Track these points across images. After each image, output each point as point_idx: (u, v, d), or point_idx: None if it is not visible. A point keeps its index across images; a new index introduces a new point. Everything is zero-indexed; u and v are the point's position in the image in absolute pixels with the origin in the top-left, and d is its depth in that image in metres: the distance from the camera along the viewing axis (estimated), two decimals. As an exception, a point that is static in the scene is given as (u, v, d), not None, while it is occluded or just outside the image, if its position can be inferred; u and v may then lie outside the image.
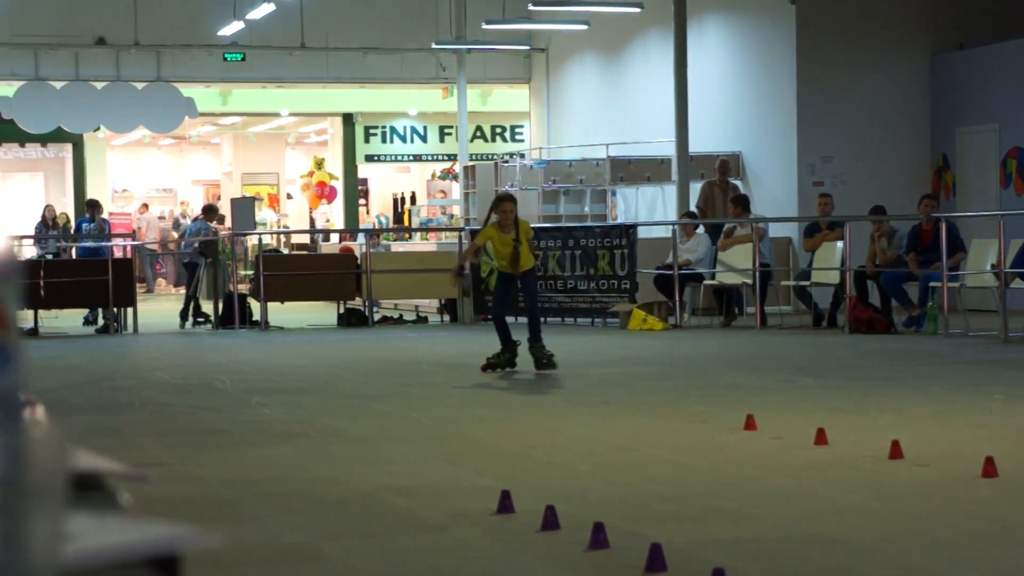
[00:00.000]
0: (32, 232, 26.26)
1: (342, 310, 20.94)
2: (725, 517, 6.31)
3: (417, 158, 35.68)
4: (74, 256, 23.36)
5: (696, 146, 21.88)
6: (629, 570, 5.25)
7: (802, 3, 22.21)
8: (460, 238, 21.58)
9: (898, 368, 13.20)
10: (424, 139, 34.84)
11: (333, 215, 35.83)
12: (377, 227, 33.66)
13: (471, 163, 28.50)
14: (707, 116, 23.24)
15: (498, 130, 34.14)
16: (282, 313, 21.01)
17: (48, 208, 26.61)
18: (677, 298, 18.79)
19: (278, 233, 33.03)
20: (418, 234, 29.14)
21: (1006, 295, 15.91)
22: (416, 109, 33.92)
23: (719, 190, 21.65)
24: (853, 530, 5.93)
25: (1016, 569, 5.42)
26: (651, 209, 25.83)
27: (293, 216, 38.64)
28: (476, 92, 31.83)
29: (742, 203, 19.90)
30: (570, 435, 9.02)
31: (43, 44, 28.61)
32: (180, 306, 21.59)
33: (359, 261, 21.40)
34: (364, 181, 38.10)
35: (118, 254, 22.81)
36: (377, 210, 38.46)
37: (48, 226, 24.77)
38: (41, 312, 19.87)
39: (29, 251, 24.97)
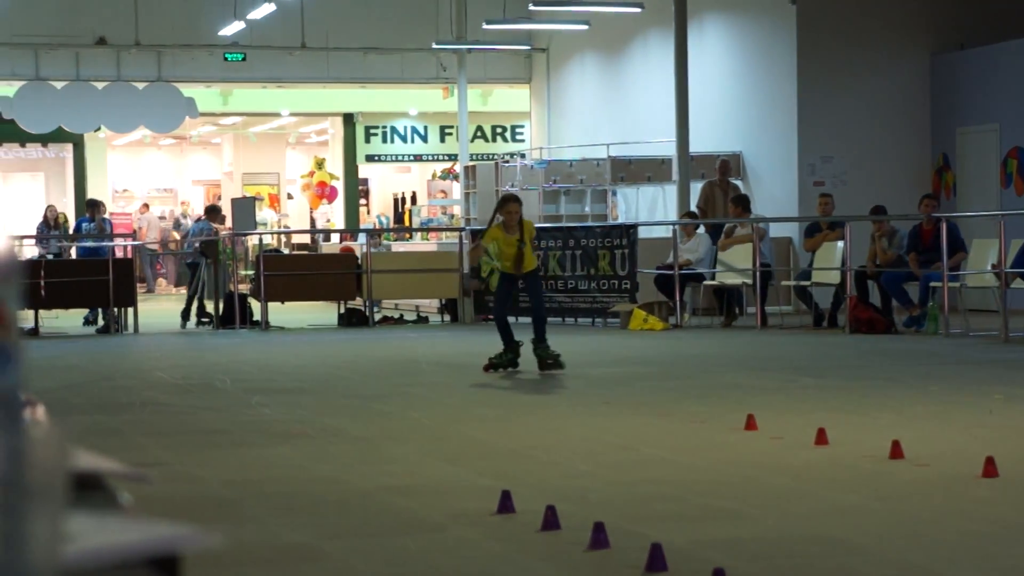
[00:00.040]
0: (34, 232, 26.26)
1: (342, 310, 20.95)
2: (725, 517, 6.31)
3: (418, 158, 35.68)
4: (74, 256, 23.37)
5: (696, 146, 21.88)
6: (629, 570, 5.25)
7: (802, 3, 22.21)
8: (460, 238, 21.58)
9: (898, 368, 13.19)
10: (425, 139, 34.84)
11: (333, 215, 35.83)
12: (377, 227, 33.65)
13: (472, 163, 28.50)
14: (708, 116, 23.24)
15: (499, 130, 34.13)
16: (282, 313, 21.01)
17: (50, 208, 26.63)
18: (678, 298, 18.79)
19: (279, 233, 33.03)
20: (419, 234, 29.14)
21: (1006, 295, 15.91)
22: (417, 109, 33.92)
23: (720, 190, 21.65)
24: (853, 530, 5.93)
25: (1016, 569, 5.42)
26: (652, 209, 25.82)
27: (294, 216, 38.64)
28: (477, 92, 31.83)
29: (742, 203, 19.90)
30: (570, 435, 9.02)
31: (43, 44, 28.61)
32: (180, 306, 21.59)
33: (359, 261, 21.40)
34: (365, 181, 38.10)
35: (119, 254, 22.80)
36: (378, 210, 38.45)
37: (50, 226, 24.77)
38: (41, 312, 19.87)
39: (30, 251, 24.97)
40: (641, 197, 26.28)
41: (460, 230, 22.78)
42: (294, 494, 7.07)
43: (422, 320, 21.54)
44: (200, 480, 7.60)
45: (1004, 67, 21.25)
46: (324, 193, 35.39)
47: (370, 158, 34.97)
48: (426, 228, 30.12)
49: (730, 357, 14.74)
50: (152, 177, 41.37)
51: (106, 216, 23.18)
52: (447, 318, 21.38)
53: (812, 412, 9.60)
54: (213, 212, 22.83)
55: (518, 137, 33.73)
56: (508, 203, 13.14)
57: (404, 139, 34.72)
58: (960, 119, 22.01)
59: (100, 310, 20.74)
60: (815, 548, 5.69)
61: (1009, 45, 21.26)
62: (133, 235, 33.12)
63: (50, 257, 22.49)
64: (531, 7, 24.52)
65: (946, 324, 16.45)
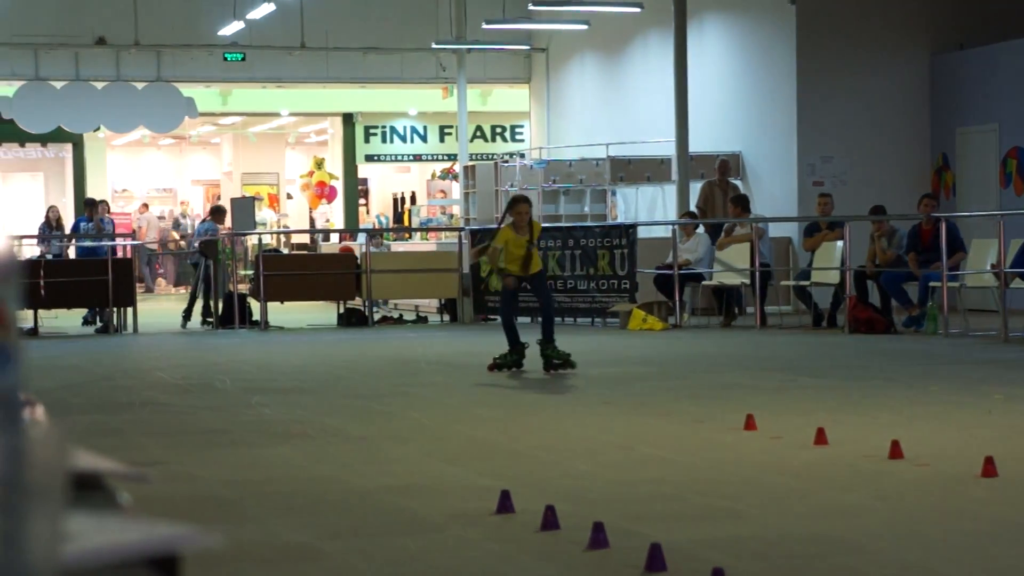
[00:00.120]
0: (35, 232, 26.27)
1: (342, 310, 20.95)
2: (725, 516, 6.31)
3: (417, 158, 35.67)
4: (72, 256, 23.36)
5: (696, 146, 21.88)
6: (629, 570, 5.26)
7: (802, 3, 22.21)
8: (460, 238, 21.58)
9: (898, 368, 13.20)
10: (424, 139, 34.84)
11: (333, 215, 35.83)
12: (377, 227, 33.65)
13: (471, 163, 28.50)
14: (707, 116, 23.24)
15: (498, 130, 34.13)
16: (282, 313, 21.01)
17: (52, 209, 26.67)
18: (677, 298, 18.79)
19: (278, 233, 33.03)
20: (418, 234, 29.14)
21: (1006, 295, 15.91)
22: (416, 109, 33.92)
23: (719, 190, 21.65)
24: (853, 529, 5.93)
25: (1016, 568, 5.42)
26: (651, 209, 25.83)
27: (293, 216, 38.63)
28: (476, 92, 31.83)
29: (742, 203, 19.90)
30: (570, 435, 9.02)
31: (43, 44, 28.61)
32: (180, 306, 21.59)
33: (359, 261, 21.40)
34: (364, 181, 38.10)
35: (119, 254, 22.79)
36: (377, 210, 38.46)
37: (52, 227, 24.80)
38: (41, 312, 19.87)
39: (29, 251, 24.96)
40: (640, 197, 26.28)
41: (459, 230, 22.79)
42: (294, 494, 7.07)
43: (421, 320, 21.54)
44: (200, 480, 7.60)
45: (1004, 67, 21.25)
46: (323, 193, 35.39)
47: (369, 158, 34.97)
48: (425, 228, 30.12)
49: (729, 357, 14.74)
50: (151, 177, 41.37)
51: (104, 216, 23.15)
52: (446, 318, 21.38)
53: (811, 412, 9.60)
54: (218, 212, 22.83)
55: (517, 137, 33.73)
56: (518, 204, 13.13)
57: (403, 139, 34.72)
58: (960, 119, 22.02)
59: (99, 310, 20.74)
60: (814, 548, 5.70)
61: (1009, 45, 21.26)
62: (133, 235, 33.09)
63: (49, 257, 22.48)
64: (531, 7, 24.53)
65: (945, 324, 16.45)
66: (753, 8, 23.44)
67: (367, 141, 34.58)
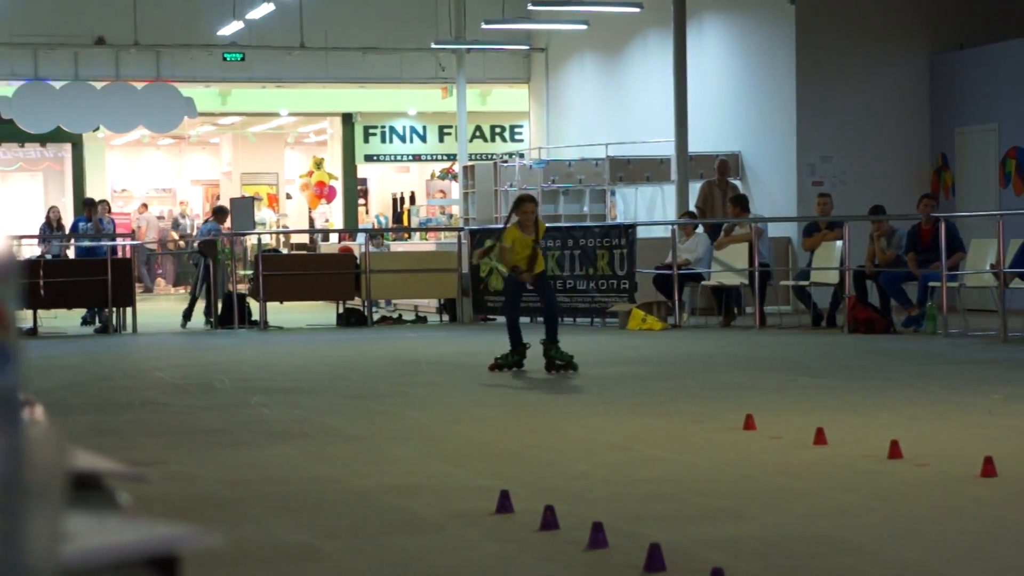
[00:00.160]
0: (35, 232, 26.27)
1: (341, 310, 20.95)
2: (724, 517, 6.32)
3: (416, 158, 35.67)
4: (71, 256, 23.35)
5: (695, 146, 21.88)
6: (628, 570, 5.26)
7: (801, 3, 22.21)
8: (459, 238, 21.58)
9: (897, 368, 13.20)
10: (423, 139, 34.83)
11: (332, 215, 35.83)
12: (376, 227, 33.65)
13: (470, 163, 28.50)
14: (706, 116, 23.24)
15: (497, 130, 34.13)
16: (281, 313, 21.01)
17: (53, 209, 26.68)
18: (676, 298, 18.79)
19: (277, 233, 33.03)
20: (417, 234, 29.14)
21: (1005, 295, 15.92)
22: (415, 109, 33.92)
23: (718, 190, 21.65)
24: (852, 529, 5.93)
25: (1015, 568, 5.42)
26: (650, 209, 25.83)
27: (292, 216, 38.63)
28: (475, 92, 31.83)
29: (741, 203, 19.90)
30: (569, 435, 9.02)
31: (42, 44, 28.61)
32: (179, 306, 21.58)
33: (358, 261, 21.40)
34: (363, 181, 38.10)
35: (118, 254, 22.79)
36: (376, 210, 38.46)
37: (52, 227, 24.80)
38: (40, 312, 19.87)
39: (28, 251, 24.96)
40: (640, 197, 26.28)
41: (459, 230, 22.79)
42: (293, 494, 7.07)
43: (420, 320, 21.54)
44: (199, 480, 7.60)
45: (1003, 67, 21.26)
46: (323, 193, 35.39)
47: (369, 158, 34.97)
48: (425, 228, 30.11)
49: (729, 357, 14.74)
50: (151, 177, 41.37)
51: (103, 216, 23.15)
52: (445, 318, 21.38)
53: (811, 412, 9.60)
54: (220, 213, 22.84)
55: (517, 137, 33.73)
56: (524, 203, 13.11)
57: (403, 139, 34.72)
58: (959, 119, 22.02)
59: (98, 310, 20.74)
60: (814, 548, 5.70)
61: (1008, 45, 21.26)
62: (132, 235, 33.09)
63: (49, 257, 22.48)
64: (530, 7, 24.53)
65: (945, 324, 16.46)
66: (752, 8, 23.44)
67: (366, 141, 34.58)
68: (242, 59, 29.26)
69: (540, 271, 13.09)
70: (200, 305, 21.05)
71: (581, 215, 25.22)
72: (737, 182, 22.89)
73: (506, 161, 27.60)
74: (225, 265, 21.21)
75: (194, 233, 31.91)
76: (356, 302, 21.09)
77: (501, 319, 18.88)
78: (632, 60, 27.12)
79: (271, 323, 20.25)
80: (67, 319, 20.81)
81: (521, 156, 28.93)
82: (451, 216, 31.57)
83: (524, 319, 14.09)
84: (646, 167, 24.93)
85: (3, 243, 1.42)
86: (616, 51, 27.62)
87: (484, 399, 11.37)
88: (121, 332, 20.00)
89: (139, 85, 29.08)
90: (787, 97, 22.39)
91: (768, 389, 11.49)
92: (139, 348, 18.27)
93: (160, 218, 38.52)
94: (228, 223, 22.98)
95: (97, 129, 31.00)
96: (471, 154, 30.53)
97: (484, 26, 26.52)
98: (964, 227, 18.23)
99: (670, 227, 20.01)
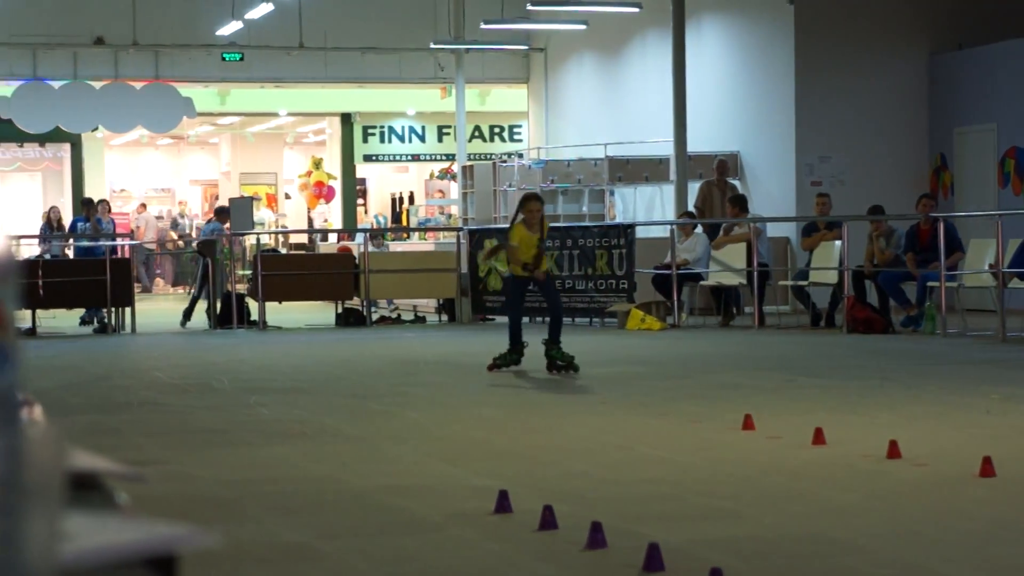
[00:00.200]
0: (35, 232, 26.29)
1: (340, 310, 20.95)
2: (723, 516, 6.32)
3: (415, 158, 35.67)
4: (71, 256, 23.35)
5: (694, 146, 21.88)
6: (627, 569, 5.26)
7: (800, 3, 22.22)
8: (458, 238, 21.58)
9: (896, 368, 13.20)
10: (422, 139, 34.83)
11: (331, 215, 35.83)
12: (375, 227, 33.65)
13: (469, 163, 28.50)
14: (705, 116, 23.25)
15: (496, 130, 34.13)
16: (280, 313, 21.01)
17: (53, 209, 26.67)
18: (675, 298, 18.79)
19: (276, 233, 33.03)
20: (416, 234, 29.14)
21: (1004, 295, 15.92)
22: (414, 109, 33.92)
23: (717, 190, 21.65)
24: (851, 529, 5.93)
25: (1014, 568, 5.42)
26: (649, 209, 25.83)
27: (291, 216, 38.64)
28: (474, 92, 31.84)
29: (740, 203, 19.91)
30: (568, 435, 9.02)
31: (41, 44, 28.61)
32: (178, 306, 21.58)
33: (357, 261, 21.40)
34: (362, 181, 38.10)
35: (118, 253, 22.79)
36: (375, 210, 38.46)
37: (53, 227, 24.81)
38: (39, 312, 19.86)
39: (27, 251, 24.96)
40: (639, 197, 26.28)
41: (458, 230, 22.78)
42: (292, 494, 7.07)
43: (419, 320, 21.54)
44: (197, 480, 7.60)
45: (1002, 67, 21.26)
46: (322, 193, 35.39)
47: (368, 158, 34.97)
48: (424, 228, 30.11)
49: (727, 357, 14.74)
50: (149, 177, 41.37)
51: (100, 216, 23.15)
52: (444, 318, 21.38)
53: (809, 412, 9.60)
54: (224, 213, 22.83)
55: (516, 137, 33.73)
56: (530, 202, 13.08)
57: (402, 139, 34.72)
58: (958, 119, 22.03)
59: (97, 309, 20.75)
60: (812, 547, 5.70)
61: (1007, 45, 21.27)
62: (131, 235, 33.09)
63: (48, 257, 22.48)
64: (529, 7, 24.53)
65: (943, 324, 16.46)
66: (751, 8, 23.44)
67: (365, 141, 34.58)
68: (241, 59, 29.27)
69: (545, 270, 13.10)
70: (201, 305, 21.05)
71: (580, 215, 25.23)
72: (736, 182, 22.90)
73: (505, 161, 27.60)
74: (224, 265, 21.21)
75: (196, 233, 31.91)
76: (355, 302, 21.09)
77: (500, 319, 18.92)
78: (631, 60, 27.13)
79: (270, 323, 20.25)
80: (66, 319, 20.81)
81: (520, 156, 28.93)
82: (450, 216, 31.57)
83: (523, 319, 14.08)
84: (645, 167, 24.94)
85: (2, 243, 1.42)
86: (615, 51, 27.63)
87: (483, 399, 11.37)
88: (120, 332, 19.99)
89: (138, 85, 29.09)
90: (786, 97, 22.40)
91: (767, 389, 11.50)
92: (138, 348, 18.27)
93: (159, 218, 38.51)
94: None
95: (96, 129, 31.00)
96: (470, 154, 30.54)
97: (483, 26, 26.53)
98: (963, 227, 18.24)
99: (669, 227, 20.01)
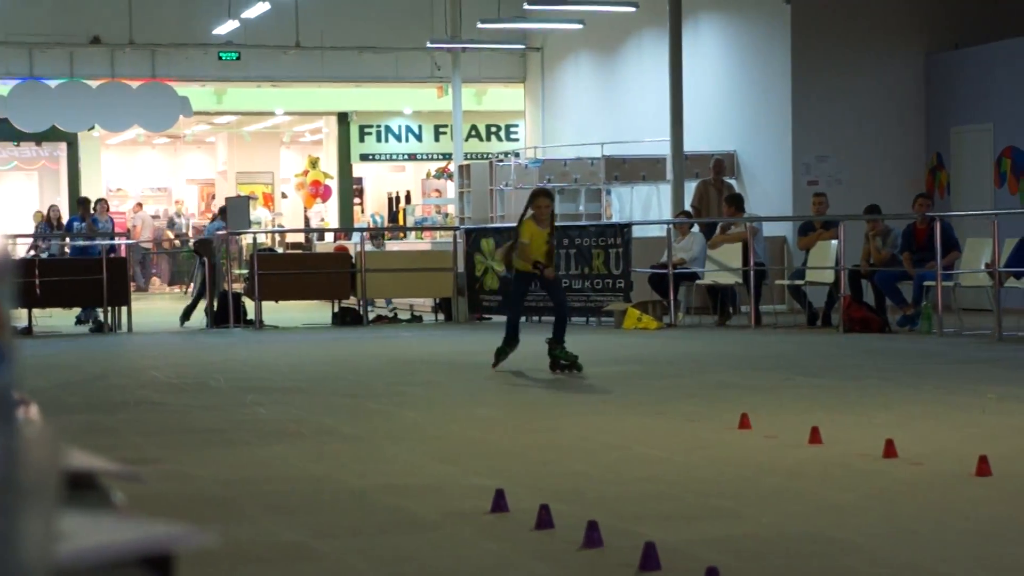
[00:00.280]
0: (33, 232, 26.28)
1: (336, 309, 20.94)
2: (719, 516, 6.32)
3: (412, 157, 35.68)
4: (67, 255, 23.34)
5: (691, 145, 21.89)
6: (623, 569, 5.26)
7: (797, 2, 22.23)
8: (455, 237, 21.58)
9: (892, 367, 13.21)
10: (419, 138, 34.84)
11: (328, 214, 35.83)
12: (372, 226, 33.65)
13: (466, 162, 28.50)
14: (702, 115, 23.25)
15: (493, 129, 34.14)
16: (276, 312, 21.00)
17: (53, 208, 26.65)
18: (672, 297, 18.80)
19: (273, 232, 33.02)
20: (413, 233, 29.14)
21: (1000, 294, 15.93)
22: (411, 108, 33.92)
23: (714, 189, 21.67)
24: (847, 529, 5.94)
25: (1010, 567, 5.43)
26: (646, 208, 25.84)
27: (288, 215, 38.64)
28: (471, 91, 31.83)
29: (736, 202, 19.92)
30: (564, 434, 9.02)
31: (38, 43, 28.59)
32: (175, 305, 21.57)
33: (353, 260, 21.39)
34: (359, 180, 38.10)
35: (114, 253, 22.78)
36: (372, 209, 38.46)
37: (52, 227, 24.80)
38: (35, 311, 19.85)
39: (23, 250, 24.95)
40: (635, 196, 26.29)
41: (454, 229, 22.78)
42: (289, 493, 7.07)
43: (416, 319, 21.53)
44: (194, 479, 7.60)
45: (998, 67, 21.27)
46: (318, 192, 35.39)
47: (364, 157, 34.97)
48: (420, 227, 30.11)
49: (724, 356, 14.75)
50: (146, 176, 41.37)
51: (101, 216, 23.13)
52: (441, 317, 21.37)
53: (806, 411, 9.61)
54: (226, 213, 22.83)
55: (512, 136, 33.74)
56: (539, 198, 13.03)
57: (398, 138, 34.72)
58: (954, 118, 22.04)
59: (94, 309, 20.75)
60: (809, 547, 5.70)
61: (1003, 45, 21.28)
62: (127, 234, 33.08)
63: (44, 256, 22.47)
64: (526, 6, 24.54)
65: (940, 323, 16.47)
66: (748, 7, 23.45)
67: (362, 140, 34.58)
68: (238, 58, 29.26)
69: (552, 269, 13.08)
70: (201, 304, 21.05)
71: (577, 214, 25.23)
72: (732, 181, 22.91)
73: (502, 160, 27.59)
74: (220, 264, 21.20)
75: (193, 232, 31.88)
76: (351, 301, 21.09)
77: (497, 318, 18.91)
78: (628, 60, 27.13)
79: (266, 322, 20.24)
80: (62, 318, 20.79)
81: (517, 155, 28.93)
82: (447, 215, 31.58)
83: (521, 318, 14.07)
84: (642, 166, 24.94)
85: (-2, 242, 1.42)
86: (612, 51, 27.63)
87: (480, 398, 11.37)
88: (116, 331, 19.98)
89: (134, 84, 29.07)
90: (782, 96, 22.41)
91: (763, 388, 11.50)
92: (134, 347, 18.26)
93: (155, 217, 38.51)
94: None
95: (92, 128, 30.99)
96: (466, 153, 30.54)
97: (480, 25, 26.53)
98: (959, 226, 18.25)
99: (666, 226, 20.02)
